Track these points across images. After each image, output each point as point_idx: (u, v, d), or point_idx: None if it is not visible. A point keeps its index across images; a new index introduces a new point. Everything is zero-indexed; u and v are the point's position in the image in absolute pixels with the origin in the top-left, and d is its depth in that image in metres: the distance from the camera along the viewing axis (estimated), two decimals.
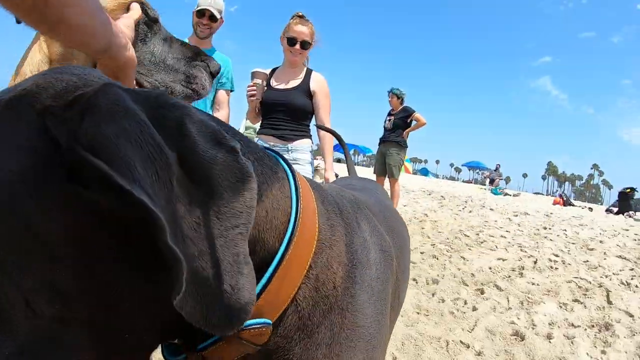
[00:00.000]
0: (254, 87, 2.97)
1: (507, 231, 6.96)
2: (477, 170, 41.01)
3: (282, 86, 3.02)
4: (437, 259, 4.86)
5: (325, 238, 0.70)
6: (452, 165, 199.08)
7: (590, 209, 12.82)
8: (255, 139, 3.11)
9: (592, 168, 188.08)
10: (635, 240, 7.34)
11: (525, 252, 5.52)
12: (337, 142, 2.59)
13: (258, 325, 0.59)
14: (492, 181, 22.10)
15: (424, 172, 39.67)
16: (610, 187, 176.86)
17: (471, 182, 33.54)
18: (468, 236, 6.21)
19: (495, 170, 23.87)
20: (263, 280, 0.60)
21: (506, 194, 14.21)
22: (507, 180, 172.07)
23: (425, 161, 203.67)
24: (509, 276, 4.39)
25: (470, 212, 8.79)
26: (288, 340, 0.65)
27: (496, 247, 5.67)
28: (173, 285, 0.43)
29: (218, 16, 3.13)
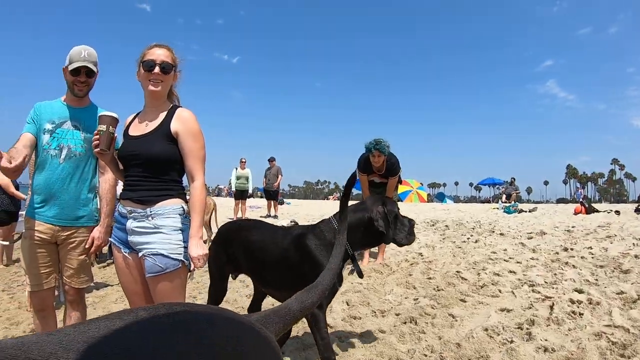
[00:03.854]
0: (98, 136, 2.34)
1: (517, 262, 5.65)
2: (497, 186, 39.39)
3: (137, 132, 2.44)
4: (415, 323, 3.62)
5: None
6: (471, 184, 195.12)
7: (617, 212, 11.36)
8: (117, 204, 2.55)
9: (612, 163, 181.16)
10: None
11: (539, 292, 4.22)
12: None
13: None
14: (508, 196, 20.74)
15: (441, 197, 37.95)
16: (633, 179, 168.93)
17: (490, 201, 31.89)
18: (466, 279, 4.93)
19: (510, 184, 22.54)
20: None
21: (521, 211, 12.77)
22: (529, 190, 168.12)
23: (444, 185, 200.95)
24: (511, 341, 3.10)
25: (476, 242, 7.48)
26: None
27: (499, 291, 4.39)
28: None
29: (95, 69, 2.84)
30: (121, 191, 2.49)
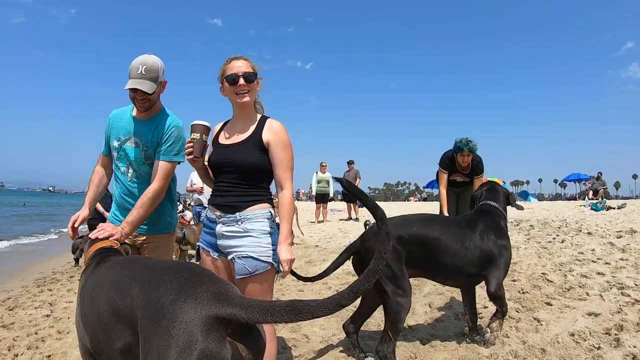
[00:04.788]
0: (191, 144, 2.51)
1: (606, 263, 5.47)
2: (583, 182, 37.38)
3: (228, 141, 2.58)
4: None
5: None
6: (555, 181, 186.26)
7: None
8: (206, 210, 2.79)
9: None
10: None
11: (628, 295, 4.11)
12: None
13: None
14: (595, 192, 19.80)
15: (524, 196, 36.27)
16: None
17: (575, 198, 30.26)
18: (552, 281, 4.87)
19: (597, 180, 21.49)
20: None
21: (609, 208, 12.16)
22: (617, 185, 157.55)
23: (527, 182, 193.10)
24: (599, 347, 3.09)
25: (562, 242, 7.25)
26: None
27: (587, 294, 4.31)
28: None
29: (151, 91, 2.71)
30: (210, 197, 2.65)
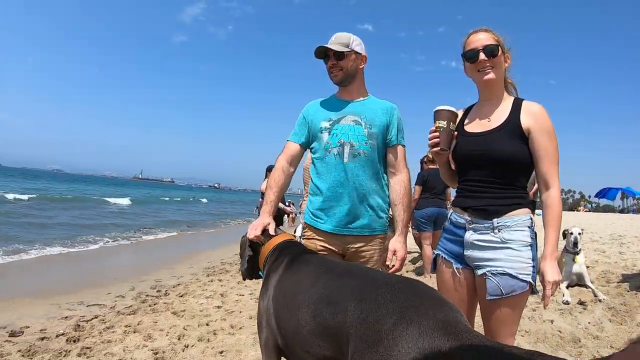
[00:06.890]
0: (437, 133, 2.12)
1: None
2: None
3: (477, 129, 2.14)
4: None
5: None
6: None
7: None
8: (449, 212, 2.24)
9: None
10: None
11: None
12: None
13: None
14: None
15: None
16: None
17: None
18: None
19: None
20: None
21: None
22: None
23: None
24: None
25: None
26: None
27: None
28: None
29: (343, 49, 2.50)
30: (455, 197, 2.24)
